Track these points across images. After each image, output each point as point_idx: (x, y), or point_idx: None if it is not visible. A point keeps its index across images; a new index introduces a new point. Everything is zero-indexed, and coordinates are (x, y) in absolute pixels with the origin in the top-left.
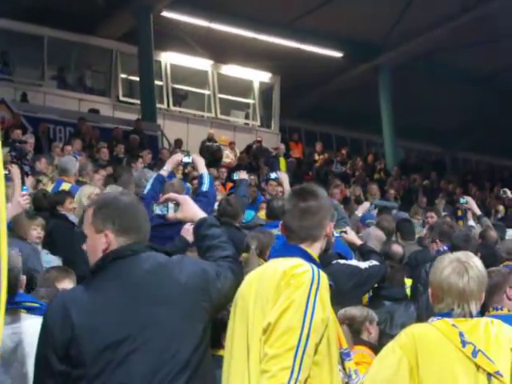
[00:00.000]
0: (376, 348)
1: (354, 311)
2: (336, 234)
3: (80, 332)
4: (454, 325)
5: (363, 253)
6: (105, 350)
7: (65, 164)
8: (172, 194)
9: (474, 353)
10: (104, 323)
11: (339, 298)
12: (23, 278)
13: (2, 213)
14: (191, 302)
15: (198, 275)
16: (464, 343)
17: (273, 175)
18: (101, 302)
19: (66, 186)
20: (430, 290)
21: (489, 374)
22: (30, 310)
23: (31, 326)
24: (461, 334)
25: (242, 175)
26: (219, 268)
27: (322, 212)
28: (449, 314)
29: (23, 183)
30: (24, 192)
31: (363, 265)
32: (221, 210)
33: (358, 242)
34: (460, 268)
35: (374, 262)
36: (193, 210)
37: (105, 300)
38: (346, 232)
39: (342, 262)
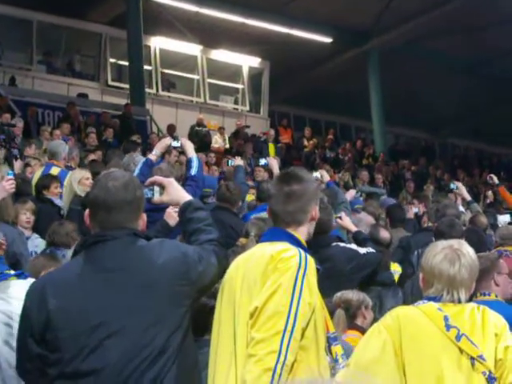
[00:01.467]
0: None
1: (351, 295)
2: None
3: (55, 316)
4: (439, 308)
5: (358, 240)
6: (79, 335)
7: (54, 148)
8: (157, 177)
9: (458, 337)
10: (79, 308)
11: (338, 280)
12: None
13: None
14: (170, 287)
15: (178, 258)
16: (448, 327)
17: (262, 161)
18: (77, 287)
19: (55, 171)
20: (420, 275)
21: (472, 358)
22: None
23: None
24: (445, 318)
25: (237, 161)
26: (202, 251)
27: (305, 196)
28: (436, 299)
29: (12, 167)
30: (10, 176)
31: (362, 250)
32: (219, 195)
33: (353, 228)
34: (452, 255)
35: (371, 250)
36: (178, 193)
37: (81, 285)
38: (340, 218)
39: (341, 244)
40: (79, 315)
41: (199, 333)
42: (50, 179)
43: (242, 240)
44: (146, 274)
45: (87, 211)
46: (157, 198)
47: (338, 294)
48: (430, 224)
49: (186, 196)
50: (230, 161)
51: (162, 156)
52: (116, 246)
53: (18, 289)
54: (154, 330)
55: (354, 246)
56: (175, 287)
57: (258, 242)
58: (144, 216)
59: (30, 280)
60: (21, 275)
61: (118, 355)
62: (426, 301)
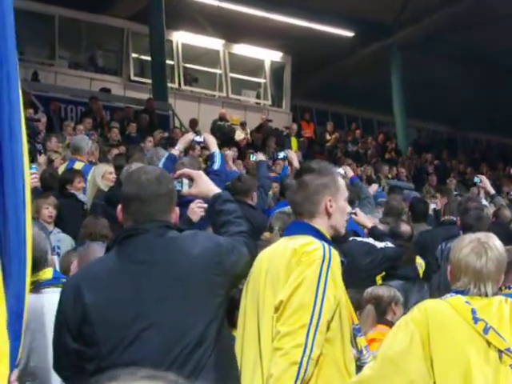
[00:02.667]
0: None
1: (382, 291)
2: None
3: (91, 310)
4: (467, 301)
5: (375, 235)
6: (116, 328)
7: (78, 142)
8: (186, 170)
9: (486, 329)
10: (114, 301)
11: (355, 275)
12: (53, 257)
13: (28, 192)
14: (205, 276)
15: (212, 249)
16: (476, 320)
17: (281, 154)
18: (111, 281)
19: (79, 165)
20: (448, 268)
21: (500, 351)
22: None
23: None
24: (473, 311)
25: (259, 156)
26: (234, 242)
27: (312, 186)
28: (463, 292)
29: (34, 162)
30: (33, 171)
31: (379, 244)
32: (232, 188)
33: (369, 224)
34: (479, 248)
35: (390, 244)
36: (207, 186)
37: (115, 278)
38: (355, 213)
39: (358, 239)
40: (115, 308)
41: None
42: (73, 173)
43: (266, 234)
44: (179, 264)
45: (120, 206)
46: (186, 190)
47: (369, 290)
48: (446, 217)
49: (214, 188)
50: (252, 155)
51: (186, 151)
52: (148, 238)
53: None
54: (190, 320)
55: (371, 241)
56: (210, 277)
57: (282, 235)
58: (177, 209)
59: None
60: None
61: (156, 346)
62: (453, 294)
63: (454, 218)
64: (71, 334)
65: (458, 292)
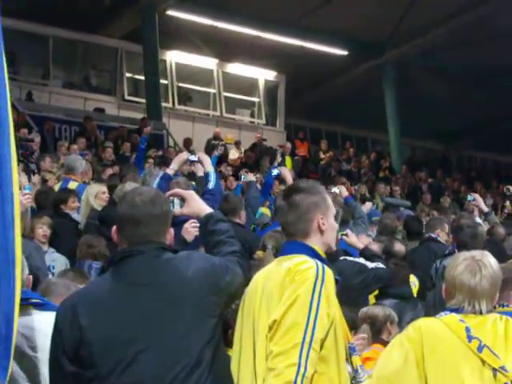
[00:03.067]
0: None
1: (377, 310)
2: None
3: (88, 332)
4: (461, 320)
5: (367, 256)
6: (113, 350)
7: (72, 162)
8: (178, 190)
9: (480, 348)
10: (111, 323)
11: (346, 294)
12: (29, 276)
13: (17, 215)
14: (200, 298)
15: (207, 270)
16: (470, 338)
17: (274, 171)
18: (109, 302)
19: (73, 185)
20: (443, 286)
21: (494, 369)
22: (37, 306)
23: (43, 320)
24: (467, 329)
25: (249, 177)
26: (228, 262)
27: (303, 206)
28: (458, 310)
29: (28, 182)
30: (26, 191)
31: (371, 265)
32: (220, 208)
33: (360, 245)
34: (473, 266)
35: (381, 265)
36: (199, 205)
37: (111, 300)
38: (346, 235)
39: (349, 259)
40: (111, 330)
41: None
42: (67, 193)
43: (260, 253)
44: (175, 286)
45: (115, 227)
46: (177, 210)
47: (364, 309)
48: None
49: (206, 208)
50: (243, 176)
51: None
52: (144, 260)
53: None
54: (187, 342)
55: (362, 260)
56: (205, 298)
57: (275, 254)
58: (171, 230)
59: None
60: (43, 305)
61: (154, 368)
62: (448, 312)
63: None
64: (68, 357)
65: (452, 310)
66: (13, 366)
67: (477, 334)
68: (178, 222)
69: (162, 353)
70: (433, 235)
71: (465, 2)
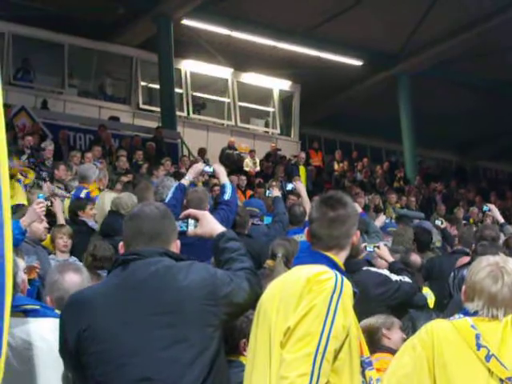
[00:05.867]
0: None
1: (369, 321)
2: (369, 249)
3: (86, 335)
4: (472, 326)
5: (394, 270)
6: (104, 353)
7: (85, 171)
8: (191, 211)
9: (488, 357)
10: (106, 327)
11: (366, 305)
12: (23, 278)
13: (7, 217)
14: (196, 306)
15: (205, 279)
16: (479, 346)
17: (289, 186)
18: (106, 306)
19: (85, 193)
20: (463, 288)
21: (501, 380)
22: (31, 313)
23: (35, 330)
24: (477, 337)
25: (275, 192)
26: (233, 276)
27: (350, 221)
28: (473, 314)
29: (51, 203)
30: (40, 199)
31: (395, 277)
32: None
33: (390, 258)
34: (496, 272)
35: (407, 279)
36: (211, 225)
37: (109, 304)
38: (378, 247)
39: (373, 269)
40: (106, 334)
41: (229, 354)
42: (85, 201)
43: (269, 262)
44: (170, 293)
45: (121, 243)
46: (191, 230)
47: (361, 323)
48: (459, 247)
49: (219, 228)
50: (268, 191)
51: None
52: (144, 264)
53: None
54: (176, 349)
55: (386, 272)
56: (201, 307)
57: (285, 263)
58: (178, 242)
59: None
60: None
61: (141, 374)
62: (461, 315)
63: (467, 249)
64: (69, 354)
65: (466, 313)
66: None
67: (487, 341)
68: (191, 242)
69: (149, 359)
70: (467, 250)
71: (479, 12)
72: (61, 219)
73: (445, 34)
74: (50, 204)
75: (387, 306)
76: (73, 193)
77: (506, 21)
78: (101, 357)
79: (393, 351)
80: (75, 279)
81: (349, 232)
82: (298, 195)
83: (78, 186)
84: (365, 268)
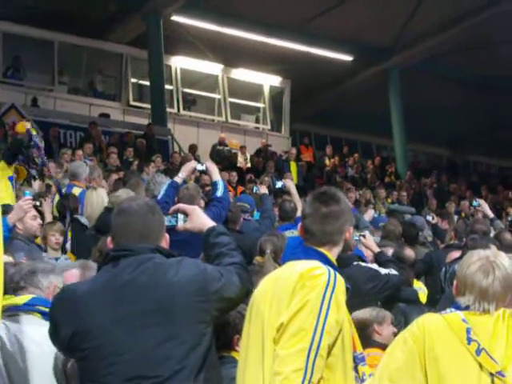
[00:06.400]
0: None
1: (361, 314)
2: (355, 237)
3: (78, 332)
4: (463, 320)
5: (381, 261)
6: (93, 350)
7: (75, 169)
8: (181, 205)
9: (478, 351)
10: (95, 324)
11: (357, 300)
12: (54, 283)
13: None
14: (186, 302)
15: (196, 275)
16: (469, 340)
17: (279, 184)
18: (97, 303)
19: (76, 191)
20: (454, 282)
21: (491, 374)
22: (46, 316)
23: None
24: (467, 331)
25: (262, 190)
26: (223, 271)
27: (343, 217)
28: (462, 308)
29: (29, 186)
30: (27, 197)
31: (383, 271)
32: None
33: (376, 249)
34: (487, 267)
35: (394, 272)
36: (201, 220)
37: (100, 301)
38: (364, 236)
39: (362, 264)
40: (94, 331)
41: (222, 350)
42: (76, 199)
43: (258, 258)
44: (161, 289)
45: (109, 238)
46: (181, 225)
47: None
48: (455, 241)
49: (209, 222)
50: (255, 187)
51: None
52: (135, 261)
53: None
54: (168, 346)
55: (375, 266)
56: (192, 303)
57: (274, 258)
58: (167, 236)
59: None
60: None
61: (129, 372)
62: (453, 309)
63: (462, 244)
64: (62, 348)
65: (458, 308)
66: None
67: (477, 336)
68: (181, 240)
69: (141, 355)
70: (462, 244)
71: (471, 6)
72: (48, 219)
73: (436, 28)
74: (39, 204)
75: (377, 300)
76: (63, 190)
77: (499, 14)
78: (92, 354)
79: (383, 347)
80: None
81: (342, 228)
82: (289, 193)
83: (68, 183)
84: (355, 263)
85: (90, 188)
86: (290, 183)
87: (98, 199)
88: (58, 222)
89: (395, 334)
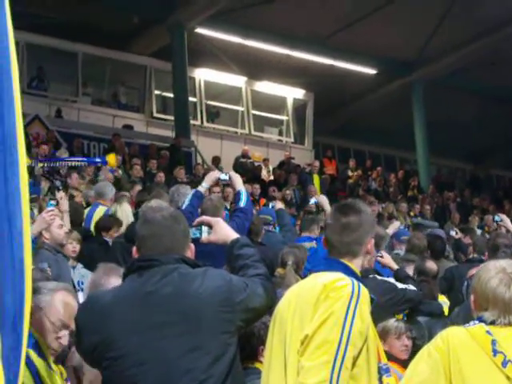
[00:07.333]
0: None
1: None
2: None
3: (103, 342)
4: (488, 331)
5: (400, 278)
6: (117, 359)
7: (101, 189)
8: (205, 217)
9: (504, 363)
10: (119, 333)
11: (376, 312)
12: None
13: (27, 225)
14: (212, 313)
15: (221, 286)
16: (495, 352)
17: (312, 200)
18: (122, 313)
19: (101, 210)
20: (472, 297)
21: None
22: None
23: None
24: (493, 343)
25: (278, 205)
26: (248, 281)
27: (362, 228)
28: (487, 323)
29: (53, 198)
30: (50, 208)
31: (400, 285)
32: None
33: (395, 266)
34: (507, 279)
35: (412, 287)
36: (225, 232)
37: (126, 311)
38: (381, 256)
39: (379, 277)
40: (118, 340)
41: (247, 361)
42: (112, 221)
43: (280, 270)
44: (186, 299)
45: (135, 248)
46: (205, 237)
47: None
48: (475, 255)
49: (233, 234)
50: (271, 204)
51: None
52: (161, 271)
53: None
54: (193, 356)
55: (392, 280)
56: (217, 314)
57: (296, 270)
58: (192, 246)
59: None
60: None
61: (155, 382)
62: (476, 322)
63: (483, 257)
64: (86, 353)
65: (481, 320)
66: None
67: (504, 348)
68: (206, 251)
69: (165, 366)
70: (483, 257)
71: (494, 20)
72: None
73: (459, 43)
74: (56, 202)
75: (393, 313)
76: (89, 209)
77: None
78: (116, 363)
79: (396, 360)
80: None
81: (361, 239)
82: (322, 209)
83: (94, 202)
84: (371, 276)
85: (114, 204)
86: (323, 199)
87: (122, 214)
88: (75, 231)
89: (419, 348)
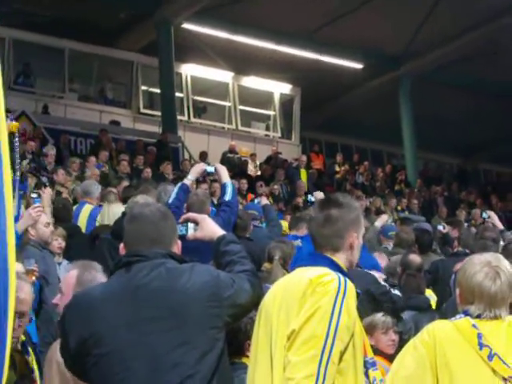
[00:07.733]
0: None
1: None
2: None
3: (90, 338)
4: (474, 325)
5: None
6: (104, 355)
7: (87, 187)
8: (190, 214)
9: (490, 356)
10: (106, 329)
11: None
12: None
13: (10, 224)
14: (199, 308)
15: (209, 281)
16: (481, 346)
17: (311, 198)
18: (109, 309)
19: (88, 208)
20: (457, 291)
21: (504, 378)
22: None
23: None
24: (479, 336)
25: (263, 201)
26: (235, 277)
27: (341, 221)
28: (473, 316)
29: (39, 195)
30: (36, 204)
31: (384, 283)
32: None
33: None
34: (492, 273)
35: (397, 292)
36: (211, 229)
37: (113, 307)
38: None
39: (360, 269)
40: (106, 338)
41: (234, 356)
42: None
43: (267, 265)
44: (174, 295)
45: (122, 244)
46: (191, 234)
47: None
48: (460, 249)
49: (219, 231)
50: (256, 199)
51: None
52: (148, 266)
53: None
54: (180, 351)
55: (376, 274)
56: (205, 309)
57: (282, 265)
58: (179, 242)
59: None
60: None
61: (141, 377)
62: (462, 315)
63: (467, 250)
64: (70, 355)
65: (467, 314)
66: None
67: (489, 341)
68: (192, 247)
69: (153, 361)
70: (467, 250)
71: (482, 14)
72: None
73: (447, 36)
74: (38, 196)
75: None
76: (75, 207)
77: (510, 22)
78: (103, 360)
79: (382, 354)
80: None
81: (340, 232)
82: None
83: (81, 200)
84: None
85: (105, 204)
86: (320, 196)
87: (110, 213)
88: (60, 227)
89: (405, 342)
